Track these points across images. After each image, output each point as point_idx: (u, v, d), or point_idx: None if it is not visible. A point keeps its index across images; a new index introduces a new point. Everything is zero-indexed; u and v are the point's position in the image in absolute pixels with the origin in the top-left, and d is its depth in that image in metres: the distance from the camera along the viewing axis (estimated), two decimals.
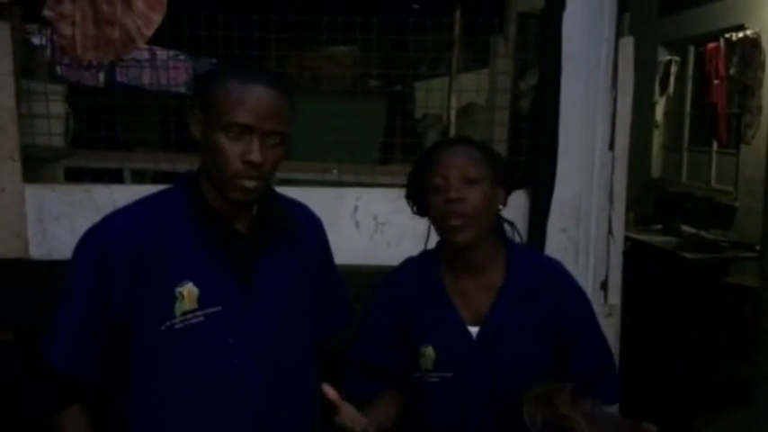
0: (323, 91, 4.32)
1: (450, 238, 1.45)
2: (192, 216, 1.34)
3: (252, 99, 1.26)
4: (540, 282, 1.51)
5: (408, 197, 1.56)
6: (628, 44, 2.47)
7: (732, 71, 6.05)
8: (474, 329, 1.48)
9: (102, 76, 4.62)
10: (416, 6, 4.18)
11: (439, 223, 1.47)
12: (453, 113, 4.15)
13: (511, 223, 1.59)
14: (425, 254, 1.59)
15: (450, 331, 1.48)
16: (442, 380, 1.47)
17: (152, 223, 1.33)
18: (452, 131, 4.18)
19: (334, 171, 2.87)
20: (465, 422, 1.47)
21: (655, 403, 3.88)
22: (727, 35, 6.22)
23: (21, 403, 1.47)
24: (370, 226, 2.56)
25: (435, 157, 1.48)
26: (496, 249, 1.52)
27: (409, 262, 1.61)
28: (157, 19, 2.40)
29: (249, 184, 1.28)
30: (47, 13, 2.40)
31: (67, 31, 2.36)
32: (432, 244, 1.58)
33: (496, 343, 1.46)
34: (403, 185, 2.67)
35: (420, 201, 1.53)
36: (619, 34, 2.49)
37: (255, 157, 1.26)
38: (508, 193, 1.53)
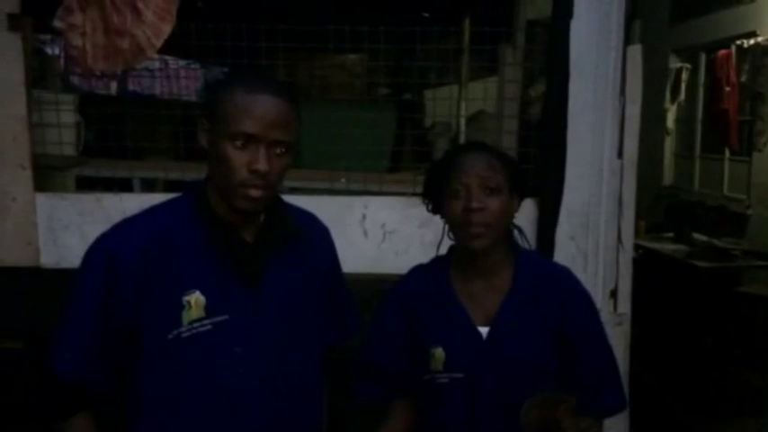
0: (332, 99, 4.34)
1: (468, 243, 1.47)
2: (200, 225, 1.34)
3: (258, 108, 1.27)
4: (545, 286, 1.52)
5: (424, 196, 1.57)
6: (636, 52, 2.47)
7: (743, 78, 6.03)
8: (483, 330, 1.49)
9: (114, 86, 4.67)
10: (426, 15, 4.19)
11: (456, 228, 1.49)
12: (463, 121, 4.16)
13: (518, 228, 1.60)
14: (436, 259, 1.61)
15: (460, 332, 1.50)
16: (452, 381, 1.49)
17: (160, 232, 1.34)
18: (462, 139, 4.18)
19: (343, 180, 2.88)
20: (474, 423, 1.48)
21: (666, 413, 3.84)
22: (738, 42, 6.19)
23: (29, 410, 1.47)
24: (377, 234, 2.57)
25: (456, 162, 1.49)
26: (506, 253, 1.54)
27: (418, 268, 1.63)
28: (167, 29, 2.42)
29: (255, 193, 1.29)
30: (57, 23, 2.43)
31: (78, 41, 2.39)
32: (443, 249, 1.60)
33: (505, 343, 1.48)
34: (411, 194, 2.70)
35: (436, 201, 1.54)
36: (628, 41, 2.48)
37: (261, 166, 1.27)
38: (520, 200, 1.54)
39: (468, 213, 1.44)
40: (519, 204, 1.54)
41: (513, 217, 1.53)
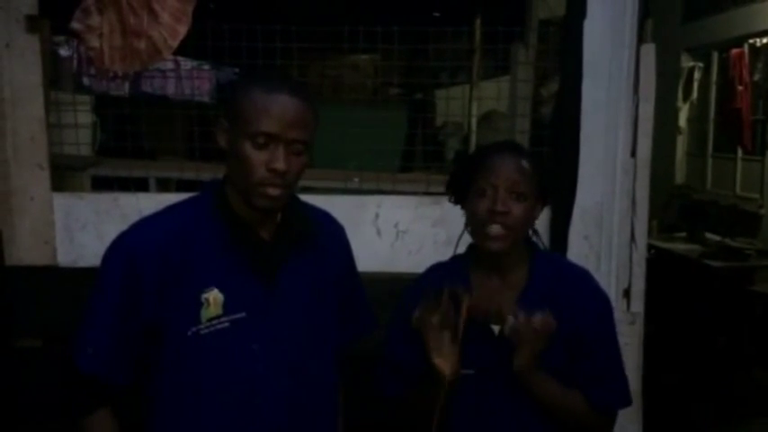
0: (344, 99, 4.35)
1: (487, 245, 1.47)
2: (218, 223, 1.36)
3: (277, 108, 1.28)
4: (560, 286, 1.52)
5: (449, 187, 1.58)
6: (649, 50, 2.46)
7: (756, 77, 5.99)
8: (496, 328, 1.50)
9: (127, 87, 4.69)
10: (437, 15, 4.20)
11: (477, 227, 1.49)
12: (474, 121, 4.16)
13: (535, 231, 1.61)
14: (455, 257, 1.62)
15: (473, 329, 1.49)
16: (462, 377, 1.49)
17: (178, 230, 1.35)
18: (473, 139, 4.19)
19: (356, 179, 2.89)
20: (483, 419, 1.49)
21: (679, 412, 3.83)
22: (751, 41, 6.16)
23: (50, 406, 1.50)
24: (391, 234, 2.58)
25: (487, 160, 1.48)
26: (523, 252, 1.54)
27: (437, 266, 1.64)
28: (183, 30, 2.44)
29: (274, 191, 1.30)
30: (75, 25, 2.45)
31: (95, 42, 2.41)
32: (461, 249, 1.60)
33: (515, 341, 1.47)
34: (424, 193, 2.70)
35: (460, 194, 1.54)
36: (641, 40, 2.48)
37: (280, 165, 1.28)
38: (543, 207, 1.55)
39: (490, 215, 1.44)
40: (541, 211, 1.54)
41: (533, 223, 1.53)
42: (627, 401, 1.57)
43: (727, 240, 5.51)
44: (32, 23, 2.40)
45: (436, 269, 1.63)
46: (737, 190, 6.73)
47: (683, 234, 5.87)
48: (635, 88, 2.46)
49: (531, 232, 1.59)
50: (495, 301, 1.52)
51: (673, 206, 6.98)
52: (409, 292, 1.61)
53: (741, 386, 4.29)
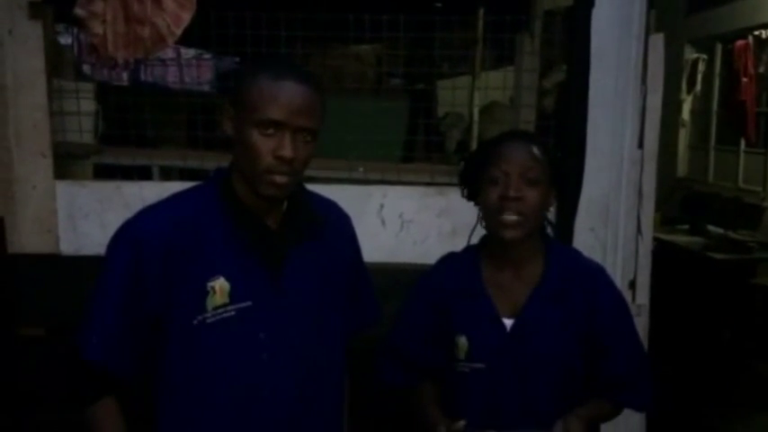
0: (346, 89, 4.32)
1: (501, 233, 1.46)
2: (224, 212, 1.35)
3: (284, 95, 1.27)
4: (575, 281, 1.51)
5: (461, 181, 1.57)
6: (658, 41, 2.44)
7: (761, 69, 5.97)
8: (508, 322, 1.49)
9: (126, 75, 4.68)
10: (440, 5, 4.17)
11: (491, 216, 1.48)
12: (476, 111, 4.13)
13: (549, 221, 1.60)
14: (468, 248, 1.61)
15: (485, 322, 1.50)
16: (474, 371, 1.49)
17: (184, 219, 1.34)
18: (475, 130, 4.17)
19: (360, 169, 2.87)
20: (493, 414, 1.48)
21: (681, 405, 3.83)
22: (756, 32, 6.13)
23: (53, 395, 1.49)
24: (395, 224, 2.57)
25: (498, 148, 1.48)
26: (537, 245, 1.53)
27: (449, 257, 1.63)
28: (187, 17, 2.42)
29: (281, 179, 1.29)
30: (78, 11, 2.43)
31: (99, 29, 2.39)
32: (474, 239, 1.59)
33: (529, 336, 1.48)
34: (428, 184, 2.69)
35: (472, 187, 1.53)
36: (649, 31, 2.46)
37: (287, 152, 1.27)
38: (557, 194, 1.54)
39: (504, 201, 1.43)
40: (555, 199, 1.53)
41: (548, 210, 1.52)
42: (649, 405, 1.57)
43: (730, 233, 5.50)
44: (35, 10, 2.39)
45: (447, 260, 1.62)
46: (740, 182, 6.72)
47: (686, 226, 5.87)
48: (643, 79, 2.44)
49: (545, 223, 1.58)
50: (508, 295, 1.51)
51: (675, 198, 6.97)
52: (420, 284, 1.60)
53: (743, 379, 4.29)
